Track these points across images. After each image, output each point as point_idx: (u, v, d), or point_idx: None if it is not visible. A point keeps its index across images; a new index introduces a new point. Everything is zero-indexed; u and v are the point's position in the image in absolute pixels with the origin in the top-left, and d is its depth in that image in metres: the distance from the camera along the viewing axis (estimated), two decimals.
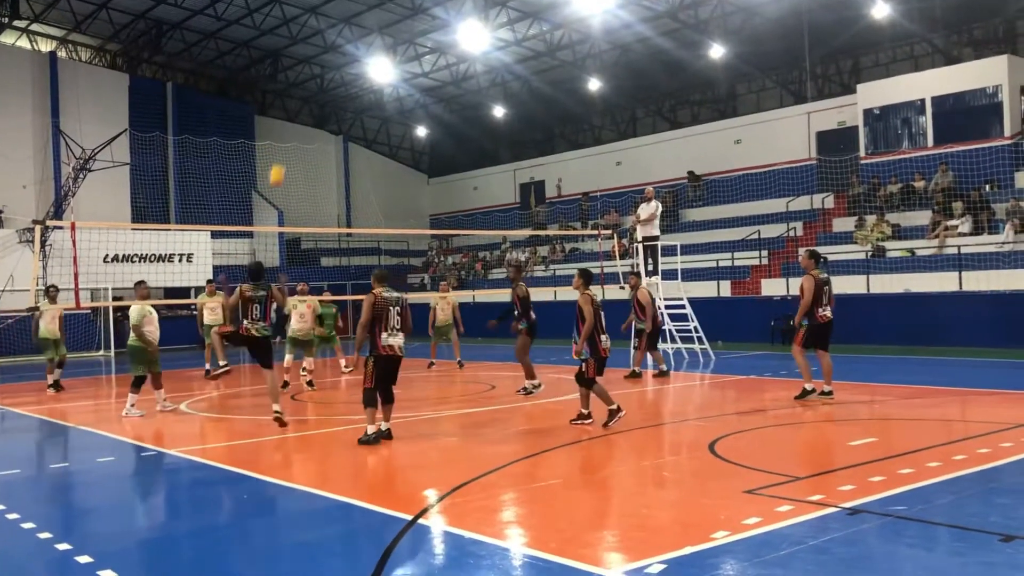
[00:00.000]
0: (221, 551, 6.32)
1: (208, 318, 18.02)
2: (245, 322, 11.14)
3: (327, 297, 18.56)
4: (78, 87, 33.04)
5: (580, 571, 5.29)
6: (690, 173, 31.23)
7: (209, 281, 20.16)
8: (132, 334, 13.27)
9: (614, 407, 10.35)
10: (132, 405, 13.25)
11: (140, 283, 14.03)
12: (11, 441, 12.17)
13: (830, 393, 12.00)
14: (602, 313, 10.48)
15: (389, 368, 9.90)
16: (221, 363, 12.68)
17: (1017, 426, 9.48)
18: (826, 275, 12.45)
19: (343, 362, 18.77)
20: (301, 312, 15.96)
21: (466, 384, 16.24)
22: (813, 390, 11.90)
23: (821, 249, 23.67)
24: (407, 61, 34.08)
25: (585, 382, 10.43)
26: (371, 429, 9.80)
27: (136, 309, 13.40)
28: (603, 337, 10.38)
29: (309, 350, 16.25)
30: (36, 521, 7.05)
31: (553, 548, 5.71)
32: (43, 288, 18.93)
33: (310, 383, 15.77)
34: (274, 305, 11.51)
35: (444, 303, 19.17)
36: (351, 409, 13.42)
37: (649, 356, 16.06)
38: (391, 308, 9.78)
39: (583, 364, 10.43)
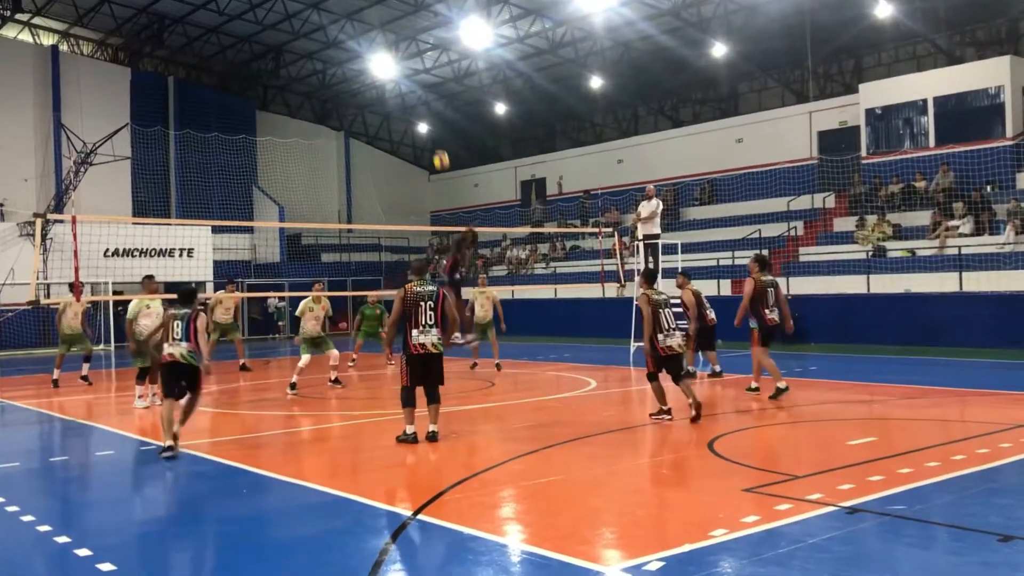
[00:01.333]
0: (220, 545, 6.33)
1: (220, 316, 18.35)
2: (165, 345, 9.57)
3: (375, 293, 19.30)
4: (80, 81, 33.02)
5: (578, 568, 5.29)
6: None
7: (230, 280, 20.66)
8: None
9: (666, 408, 10.44)
10: (139, 397, 13.32)
11: (148, 277, 13.93)
12: (11, 434, 12.18)
13: (756, 389, 12.57)
14: (663, 312, 10.34)
15: (424, 367, 9.45)
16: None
17: (1016, 427, 9.49)
18: (770, 278, 12.65)
19: (355, 356, 19.08)
20: (317, 315, 15.16)
21: (465, 381, 16.24)
22: (787, 388, 12.07)
23: (822, 249, 23.84)
24: (409, 57, 34.06)
25: (650, 375, 10.54)
26: (409, 429, 9.48)
27: (133, 303, 13.40)
28: (660, 336, 10.26)
29: (325, 347, 15.25)
30: (35, 514, 7.06)
31: (552, 544, 5.72)
32: (69, 284, 19.05)
33: (336, 380, 15.42)
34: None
35: (483, 298, 17.97)
36: (355, 404, 13.44)
37: (702, 356, 15.76)
38: (422, 303, 9.35)
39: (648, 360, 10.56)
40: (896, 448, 8.71)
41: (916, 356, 17.78)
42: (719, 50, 29.35)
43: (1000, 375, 14.71)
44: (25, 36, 33.74)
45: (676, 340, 10.39)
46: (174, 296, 10.47)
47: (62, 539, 6.29)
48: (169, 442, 9.35)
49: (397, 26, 31.75)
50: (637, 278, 17.86)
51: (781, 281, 22.98)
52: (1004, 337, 18.12)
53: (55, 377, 16.77)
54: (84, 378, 16.99)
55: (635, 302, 10.59)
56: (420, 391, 9.66)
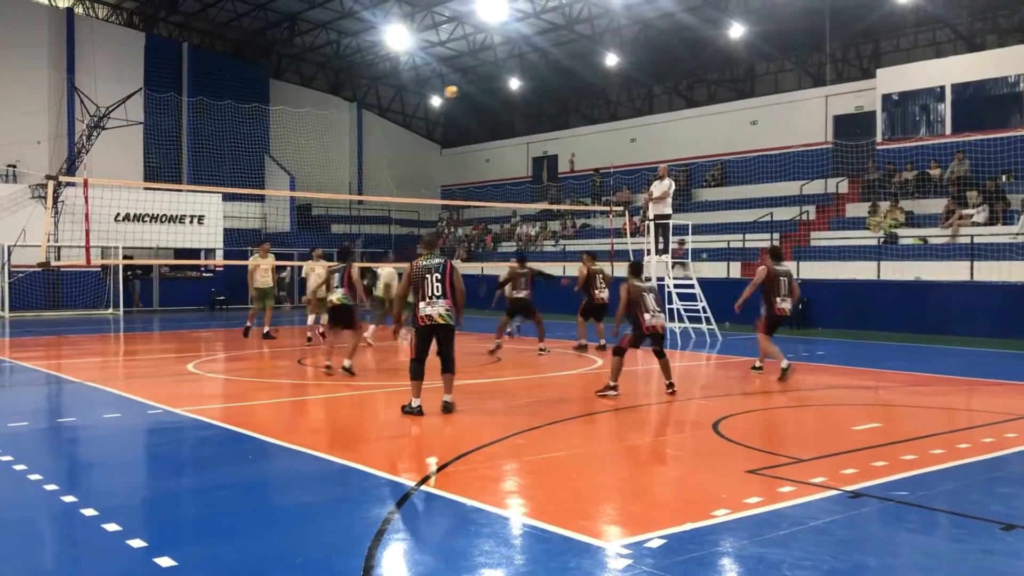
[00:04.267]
0: (224, 509, 6.37)
1: (259, 280, 18.22)
2: (329, 294, 12.90)
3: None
4: (94, 44, 32.97)
5: (580, 543, 5.31)
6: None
7: (262, 242, 19.96)
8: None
9: (613, 384, 10.70)
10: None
11: (313, 249, 17.93)
12: (19, 394, 12.27)
13: (760, 368, 12.91)
14: (647, 295, 10.79)
15: (433, 338, 9.49)
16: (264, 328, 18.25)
17: (1022, 417, 9.46)
18: (784, 268, 12.73)
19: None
20: (319, 274, 16.52)
21: (471, 355, 16.26)
22: (790, 366, 12.28)
23: (833, 234, 23.74)
24: (424, 29, 33.86)
25: (616, 350, 10.86)
26: (415, 402, 9.49)
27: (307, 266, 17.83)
28: (647, 316, 10.73)
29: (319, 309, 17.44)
30: (43, 473, 7.12)
31: (553, 519, 5.74)
32: None
33: (316, 337, 17.24)
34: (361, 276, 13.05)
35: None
36: (362, 375, 13.48)
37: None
38: (429, 276, 9.40)
39: (623, 337, 10.96)
40: (901, 434, 8.70)
41: (924, 344, 17.73)
42: (736, 30, 29.10)
43: (1008, 365, 14.67)
44: None
45: (660, 320, 10.92)
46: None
47: (69, 498, 6.35)
48: (348, 362, 12.46)
49: None
50: (656, 257, 18.18)
51: (791, 265, 23.01)
52: (1013, 327, 18.05)
53: None
54: None
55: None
56: (433, 365, 9.66)
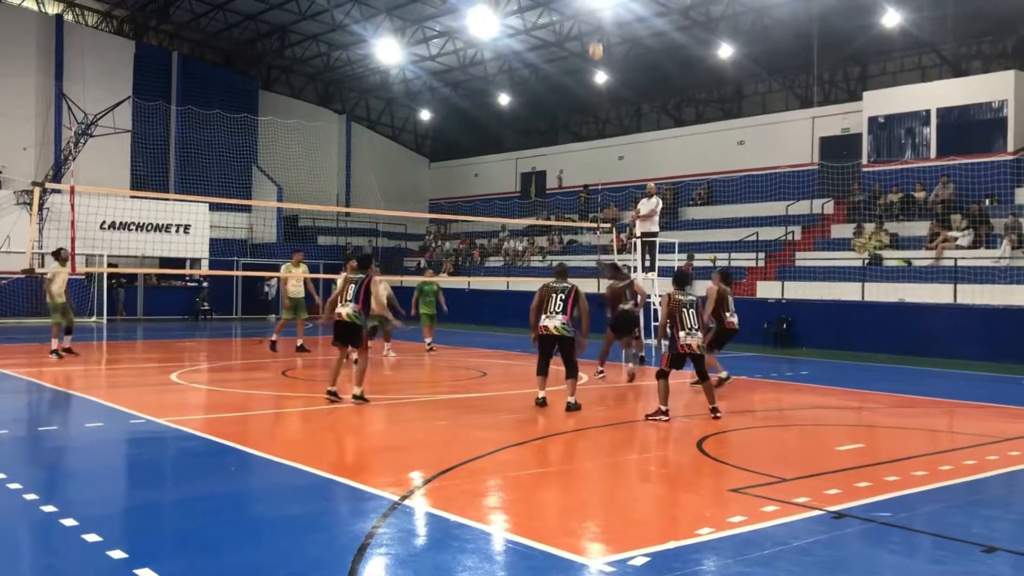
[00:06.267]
0: (205, 521, 6.33)
1: (292, 290, 17.41)
2: (338, 306, 11.10)
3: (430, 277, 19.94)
4: (83, 52, 32.86)
5: (563, 559, 5.31)
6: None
7: (295, 250, 18.89)
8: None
9: (664, 408, 10.34)
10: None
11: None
12: (1, 402, 12.15)
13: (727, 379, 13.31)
14: (686, 311, 10.39)
15: (550, 345, 11.10)
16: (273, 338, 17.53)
17: (1004, 439, 9.53)
18: (727, 288, 13.53)
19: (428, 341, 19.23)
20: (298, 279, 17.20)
21: (456, 370, 16.26)
22: (729, 377, 13.17)
23: (818, 255, 23.92)
24: (414, 44, 33.95)
25: (659, 372, 10.61)
26: (540, 394, 11.13)
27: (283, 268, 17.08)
28: (681, 333, 10.37)
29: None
30: (22, 482, 7.05)
31: (537, 535, 5.73)
32: (55, 251, 17.48)
33: (301, 347, 17.34)
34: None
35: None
36: (350, 388, 13.45)
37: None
38: (554, 295, 11.07)
39: (663, 357, 10.77)
40: (884, 456, 8.74)
41: (908, 366, 17.83)
42: (725, 51, 29.30)
43: (990, 388, 14.76)
44: (30, 4, 33.57)
45: (696, 339, 10.41)
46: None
47: (48, 508, 6.29)
48: (331, 388, 11.24)
49: (404, 12, 31.66)
50: (643, 275, 18.19)
51: (776, 285, 23.20)
52: (995, 350, 18.16)
53: (55, 347, 16.46)
54: (68, 350, 16.58)
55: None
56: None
